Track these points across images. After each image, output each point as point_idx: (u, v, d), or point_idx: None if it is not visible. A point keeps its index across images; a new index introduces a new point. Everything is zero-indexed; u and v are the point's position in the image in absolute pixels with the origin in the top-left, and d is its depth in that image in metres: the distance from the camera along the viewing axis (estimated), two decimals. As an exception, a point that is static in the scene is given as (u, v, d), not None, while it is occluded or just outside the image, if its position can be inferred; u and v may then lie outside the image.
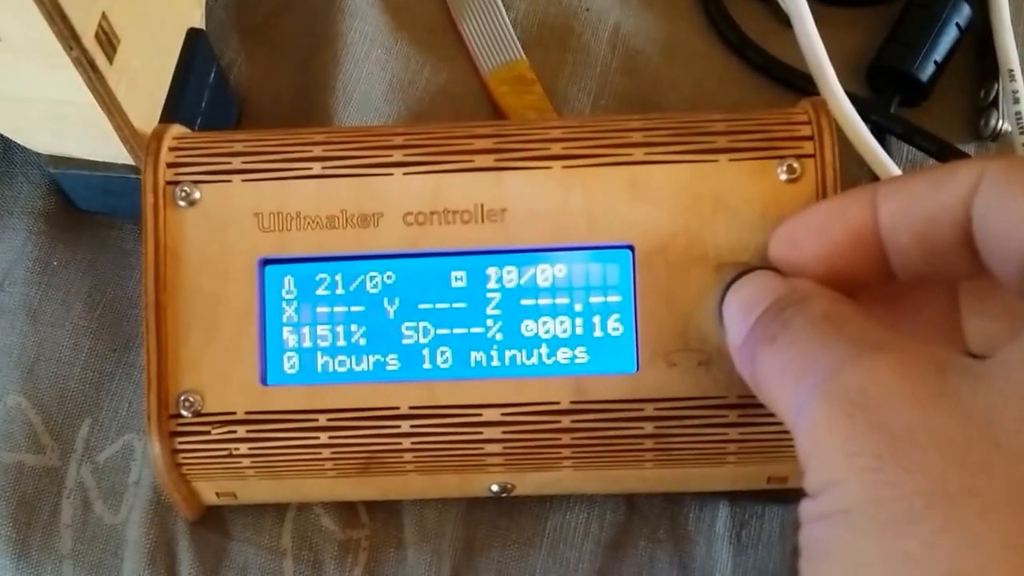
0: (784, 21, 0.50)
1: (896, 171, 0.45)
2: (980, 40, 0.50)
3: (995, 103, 0.48)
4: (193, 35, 0.43)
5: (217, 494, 0.40)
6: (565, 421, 0.37)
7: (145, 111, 0.40)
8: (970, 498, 0.24)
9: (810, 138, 0.37)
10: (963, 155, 0.47)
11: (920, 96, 0.49)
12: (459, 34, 0.50)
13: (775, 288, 0.33)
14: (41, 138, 0.42)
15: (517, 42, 0.49)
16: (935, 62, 0.48)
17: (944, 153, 0.47)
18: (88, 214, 0.47)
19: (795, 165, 0.36)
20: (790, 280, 0.33)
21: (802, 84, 0.48)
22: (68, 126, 0.40)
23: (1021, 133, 0.47)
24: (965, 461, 0.24)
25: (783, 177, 0.36)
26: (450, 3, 0.51)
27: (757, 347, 0.31)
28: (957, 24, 0.49)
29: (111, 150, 0.40)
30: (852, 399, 0.26)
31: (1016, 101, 0.47)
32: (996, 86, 0.48)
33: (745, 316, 0.32)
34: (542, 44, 0.50)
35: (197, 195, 0.38)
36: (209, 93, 0.44)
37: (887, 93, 0.49)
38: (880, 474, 0.25)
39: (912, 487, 0.24)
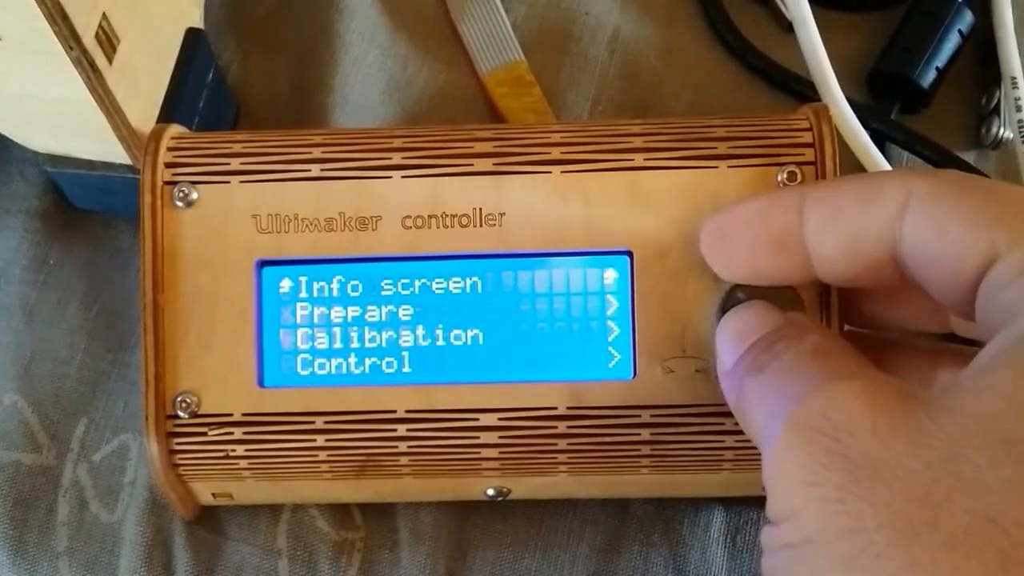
0: (784, 26, 0.50)
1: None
2: (982, 47, 0.50)
3: (997, 110, 0.48)
4: (192, 35, 0.43)
5: (213, 494, 0.40)
6: (561, 427, 0.37)
7: (144, 111, 0.40)
8: (934, 532, 0.24)
9: (811, 145, 0.37)
10: (964, 163, 0.47)
11: (921, 103, 0.49)
12: (458, 35, 0.50)
13: (770, 320, 0.33)
14: (39, 137, 0.42)
15: (516, 43, 0.49)
16: (937, 68, 0.48)
17: (945, 161, 0.47)
18: (84, 213, 0.47)
19: (795, 172, 0.36)
20: (787, 314, 0.33)
21: (802, 89, 0.48)
22: (66, 125, 0.40)
23: (1023, 141, 0.47)
24: (928, 495, 0.24)
25: (783, 184, 0.36)
26: (449, 3, 0.51)
27: (744, 376, 0.31)
28: (959, 31, 0.48)
29: (109, 149, 0.40)
30: (813, 425, 0.26)
31: (1018, 109, 0.47)
32: (998, 93, 0.48)
33: (737, 344, 0.33)
34: (541, 48, 0.50)
35: (195, 196, 0.38)
36: (207, 93, 0.44)
37: (887, 99, 0.48)
38: (842, 505, 0.25)
39: (874, 520, 0.24)
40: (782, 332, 0.31)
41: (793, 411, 0.27)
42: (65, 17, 0.34)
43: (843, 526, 0.25)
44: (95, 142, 0.40)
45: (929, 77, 0.48)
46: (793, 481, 0.26)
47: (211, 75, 0.44)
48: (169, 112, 0.41)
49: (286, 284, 0.38)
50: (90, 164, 0.42)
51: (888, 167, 0.45)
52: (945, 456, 0.24)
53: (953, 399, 0.26)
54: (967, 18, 0.49)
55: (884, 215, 0.30)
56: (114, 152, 0.40)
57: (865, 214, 0.30)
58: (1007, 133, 0.47)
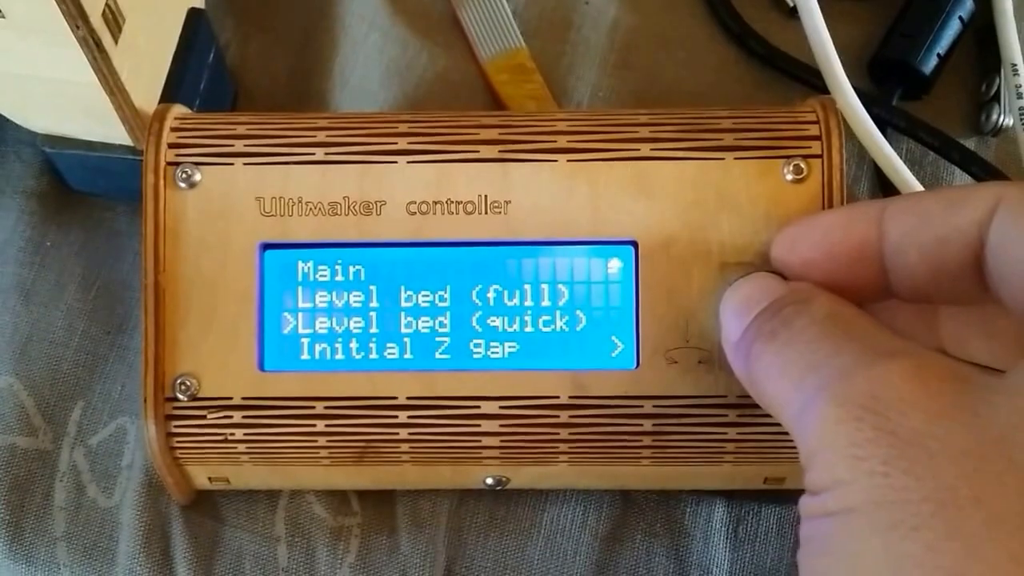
0: (785, 11, 0.50)
1: (901, 166, 0.45)
2: (982, 34, 0.50)
3: (997, 97, 0.48)
4: (193, 15, 0.43)
5: (210, 479, 0.40)
6: (563, 416, 0.37)
7: (146, 91, 0.40)
8: (978, 508, 0.24)
9: (817, 138, 0.37)
10: (964, 149, 0.47)
11: (922, 89, 0.48)
12: (458, 20, 0.50)
13: (775, 289, 0.33)
14: (38, 117, 0.42)
15: (517, 30, 0.49)
16: (938, 55, 0.48)
17: (946, 147, 0.47)
18: (81, 195, 0.46)
19: (801, 165, 0.36)
20: (791, 283, 0.33)
21: (804, 75, 0.48)
22: (68, 106, 0.39)
23: (1023, 128, 0.47)
24: (976, 472, 0.24)
25: (789, 177, 0.36)
26: (449, -10, 0.50)
27: (754, 343, 0.31)
28: (960, 17, 0.48)
29: (110, 130, 0.40)
30: (862, 403, 0.26)
31: (1019, 96, 0.47)
32: (998, 80, 0.48)
33: (743, 313, 0.33)
34: (541, 36, 0.50)
35: (198, 177, 0.37)
36: (208, 73, 0.44)
37: (889, 86, 0.48)
38: (887, 479, 0.25)
39: (919, 493, 0.24)
40: (788, 298, 0.32)
41: (836, 387, 0.27)
42: (74, -5, 0.34)
43: (886, 497, 0.25)
44: (96, 123, 0.40)
45: (930, 64, 0.48)
46: (838, 454, 0.26)
47: (212, 56, 0.44)
48: (171, 93, 0.41)
49: (289, 267, 0.37)
50: (89, 145, 0.42)
51: (894, 154, 0.45)
52: (997, 438, 0.25)
53: (1011, 383, 0.26)
54: (967, 4, 0.49)
55: (972, 217, 0.29)
56: (114, 133, 0.40)
57: (953, 217, 0.30)
58: (1007, 120, 0.48)
